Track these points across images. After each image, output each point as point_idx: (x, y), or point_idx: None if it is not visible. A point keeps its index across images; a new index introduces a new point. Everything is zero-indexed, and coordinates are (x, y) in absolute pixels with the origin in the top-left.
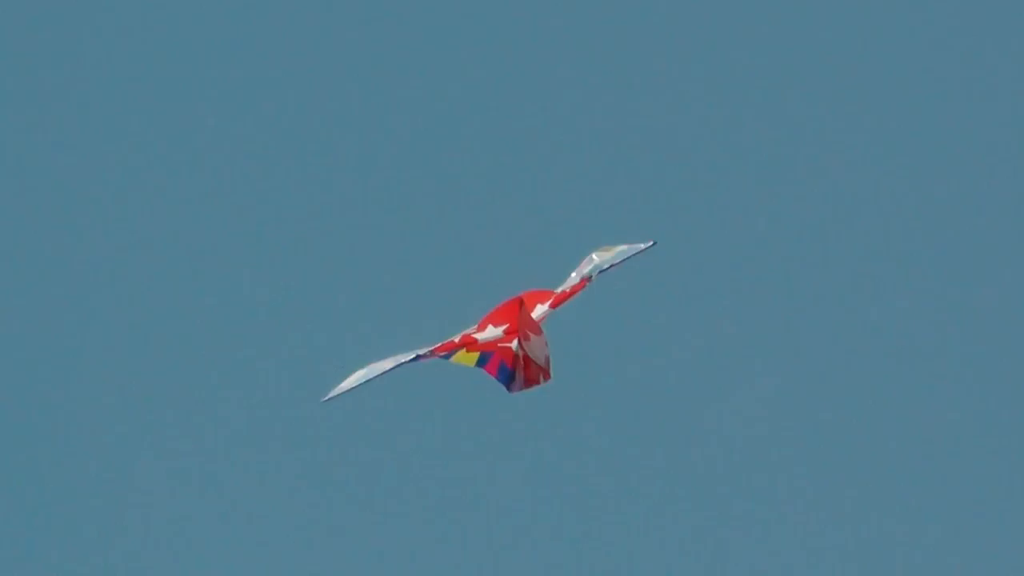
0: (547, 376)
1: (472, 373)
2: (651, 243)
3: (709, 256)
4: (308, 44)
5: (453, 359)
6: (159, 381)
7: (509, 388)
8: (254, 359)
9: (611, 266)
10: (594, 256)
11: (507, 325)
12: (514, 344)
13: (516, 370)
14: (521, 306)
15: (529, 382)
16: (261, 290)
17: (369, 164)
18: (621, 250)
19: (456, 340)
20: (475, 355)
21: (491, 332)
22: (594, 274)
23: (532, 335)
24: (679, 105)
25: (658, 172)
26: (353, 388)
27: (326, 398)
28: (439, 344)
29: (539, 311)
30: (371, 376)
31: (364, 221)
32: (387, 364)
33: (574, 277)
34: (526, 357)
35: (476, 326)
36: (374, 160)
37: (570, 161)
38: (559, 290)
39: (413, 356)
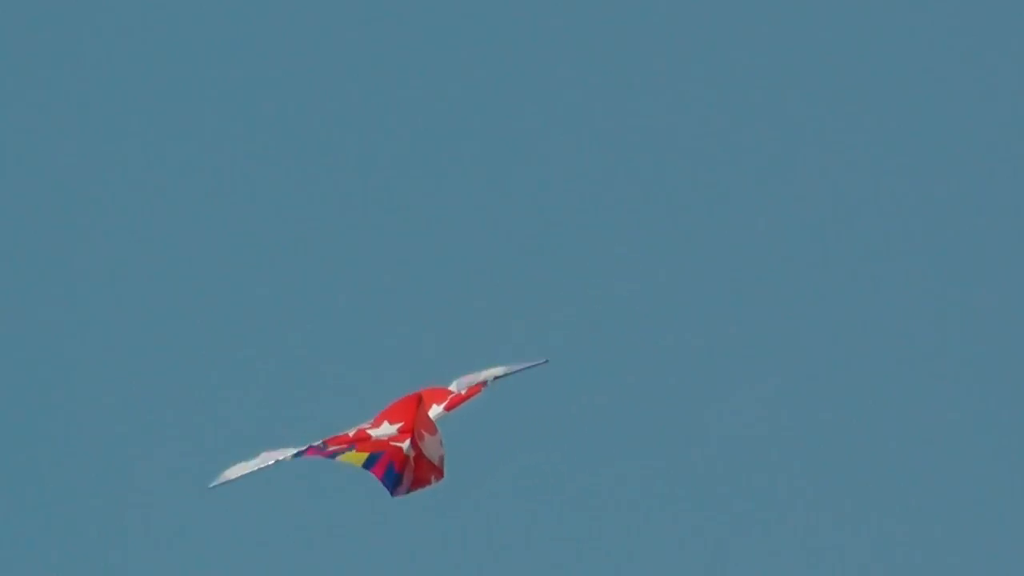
0: (439, 476)
1: (357, 473)
2: (544, 361)
3: (709, 255)
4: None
5: (341, 458)
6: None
7: (393, 492)
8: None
9: (505, 375)
10: (491, 369)
11: (402, 423)
12: (405, 445)
13: (404, 472)
14: (419, 403)
15: (419, 483)
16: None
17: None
18: (515, 367)
19: (350, 435)
20: (364, 456)
21: (385, 429)
22: (489, 380)
23: (427, 434)
24: (678, 107)
25: (658, 171)
26: (239, 477)
27: (212, 485)
28: (332, 437)
29: (434, 411)
30: (259, 466)
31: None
32: (277, 455)
33: (470, 380)
34: (418, 457)
35: (371, 422)
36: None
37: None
38: (455, 391)
39: (304, 448)
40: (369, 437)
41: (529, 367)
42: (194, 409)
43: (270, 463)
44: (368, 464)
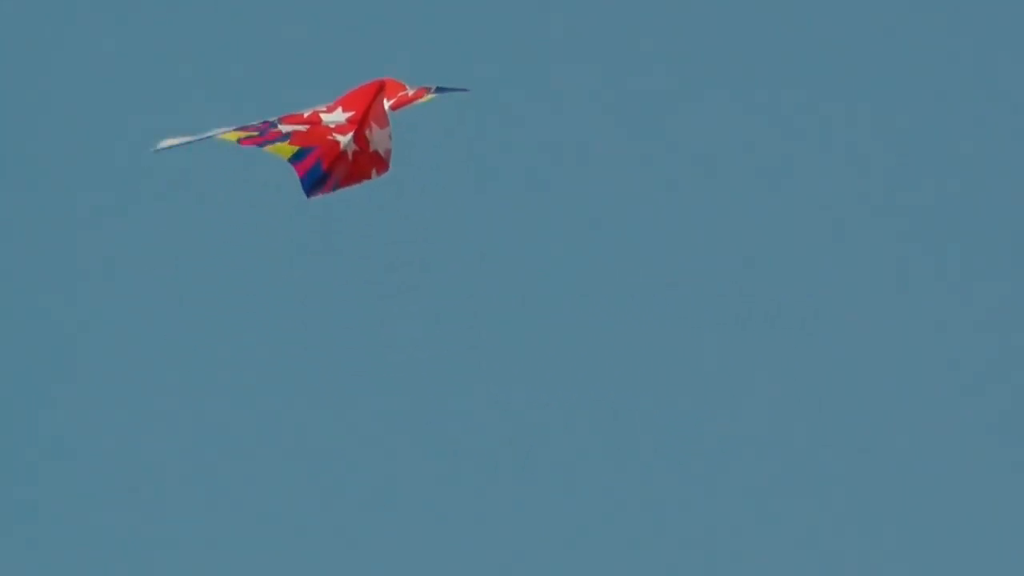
0: (384, 168)
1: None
2: (465, 89)
3: (708, 256)
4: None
5: (269, 148)
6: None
7: (310, 192)
8: None
9: (451, 91)
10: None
11: (354, 112)
12: (345, 139)
13: (333, 170)
14: (379, 92)
15: (354, 177)
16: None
17: None
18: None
19: (305, 115)
20: (293, 149)
21: (337, 116)
22: (433, 88)
23: (376, 127)
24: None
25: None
26: (180, 144)
27: (156, 148)
28: (287, 115)
29: (387, 107)
30: (199, 138)
31: None
32: (221, 130)
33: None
34: (359, 152)
35: (328, 105)
36: None
37: None
38: (409, 91)
39: (255, 124)
40: (320, 121)
41: (449, 90)
42: None
43: (208, 135)
44: (295, 158)
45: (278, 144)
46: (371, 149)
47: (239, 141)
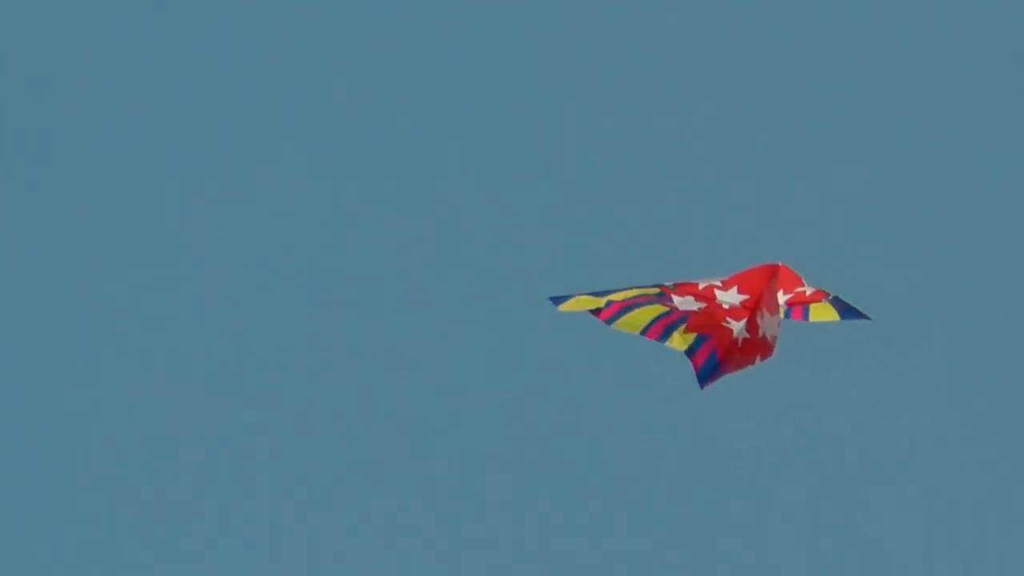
0: (767, 354)
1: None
2: (868, 317)
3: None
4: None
5: (668, 343)
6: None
7: (704, 384)
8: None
9: (854, 315)
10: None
11: (748, 297)
12: (739, 326)
13: (724, 358)
14: (774, 276)
15: (738, 364)
16: None
17: None
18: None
19: (700, 287)
20: (691, 337)
21: (732, 296)
22: (832, 295)
23: (768, 313)
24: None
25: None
26: (578, 309)
27: (557, 305)
28: (681, 283)
29: (781, 298)
30: (596, 305)
31: None
32: (620, 291)
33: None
34: (748, 340)
35: (722, 282)
36: None
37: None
38: (808, 289)
39: (654, 289)
40: (714, 298)
41: (856, 316)
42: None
43: (606, 297)
44: (692, 348)
45: (675, 335)
46: (759, 335)
47: (642, 332)
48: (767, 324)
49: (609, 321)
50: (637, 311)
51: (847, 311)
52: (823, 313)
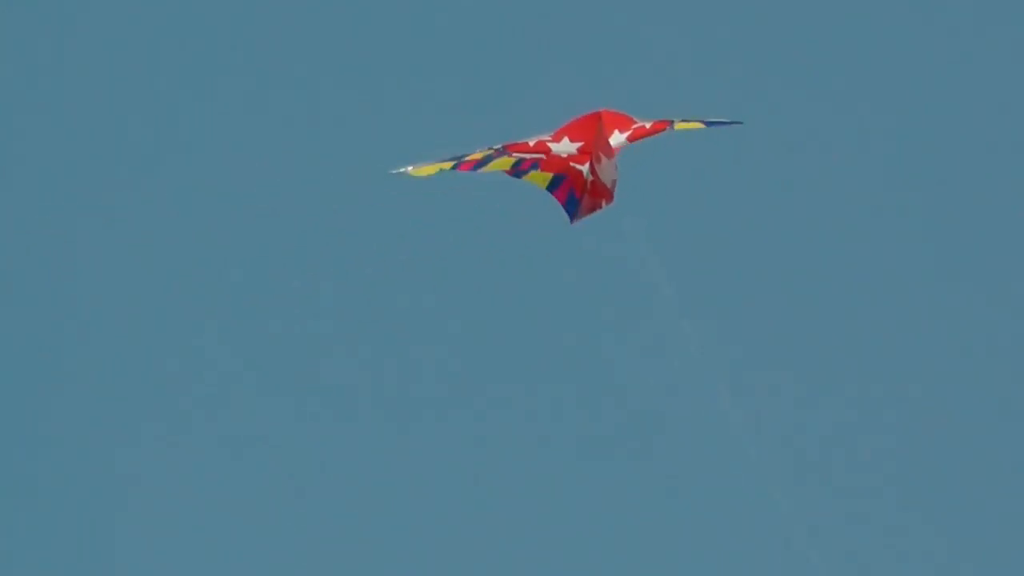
0: (609, 199)
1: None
2: (739, 121)
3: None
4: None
5: (527, 177)
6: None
7: (572, 218)
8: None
9: (721, 124)
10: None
11: (582, 143)
12: (585, 168)
13: (581, 198)
14: (598, 123)
15: (589, 208)
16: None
17: None
18: (707, 119)
19: (531, 143)
20: (548, 176)
21: (565, 146)
22: (676, 121)
23: (604, 157)
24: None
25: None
26: (420, 173)
27: (393, 171)
28: (512, 143)
29: (616, 139)
30: (440, 164)
31: None
32: (461, 153)
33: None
34: (593, 182)
35: (551, 135)
36: None
37: None
38: (639, 123)
39: (491, 150)
40: (549, 151)
41: (721, 124)
42: None
43: (451, 161)
44: (552, 186)
45: (532, 172)
46: (600, 179)
47: (506, 171)
48: (604, 170)
49: (475, 168)
50: (493, 163)
51: (711, 122)
52: (688, 124)
